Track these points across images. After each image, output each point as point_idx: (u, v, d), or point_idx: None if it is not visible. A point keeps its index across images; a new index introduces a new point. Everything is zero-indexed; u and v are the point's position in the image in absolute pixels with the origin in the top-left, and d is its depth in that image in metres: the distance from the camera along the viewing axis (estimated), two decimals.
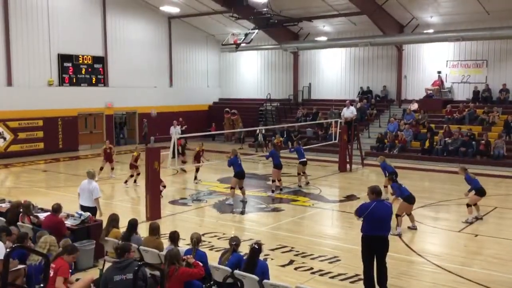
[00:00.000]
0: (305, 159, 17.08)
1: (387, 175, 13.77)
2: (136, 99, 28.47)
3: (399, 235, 11.12)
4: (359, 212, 7.92)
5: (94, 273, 8.19)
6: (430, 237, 11.64)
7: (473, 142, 21.02)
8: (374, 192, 7.89)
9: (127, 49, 28.22)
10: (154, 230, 8.25)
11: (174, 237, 7.80)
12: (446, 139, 21.80)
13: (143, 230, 9.39)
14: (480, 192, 12.39)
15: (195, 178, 17.72)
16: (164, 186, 15.29)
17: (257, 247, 7.12)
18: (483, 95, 24.26)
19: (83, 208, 10.42)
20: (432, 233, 11.87)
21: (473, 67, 24.90)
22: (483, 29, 22.86)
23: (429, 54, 26.17)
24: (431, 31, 24.73)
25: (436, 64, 25.69)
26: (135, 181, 17.07)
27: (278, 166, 15.99)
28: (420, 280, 8.86)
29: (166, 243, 8.18)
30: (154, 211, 12.58)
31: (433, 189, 16.48)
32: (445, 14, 24.25)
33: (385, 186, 13.91)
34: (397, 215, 11.18)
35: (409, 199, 11.49)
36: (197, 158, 17.92)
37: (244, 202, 14.57)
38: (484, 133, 21.58)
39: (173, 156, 14.51)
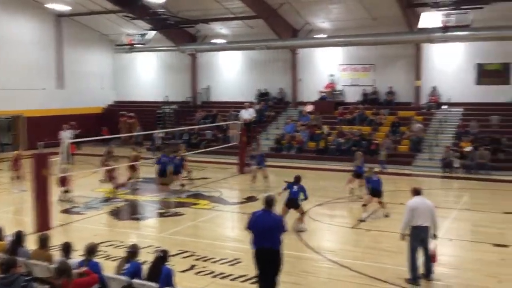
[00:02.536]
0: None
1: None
2: (21, 102, 26.41)
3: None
4: (247, 222, 7.76)
5: None
6: (326, 234, 12.11)
7: (363, 142, 22.25)
8: (265, 202, 7.68)
9: (10, 48, 26.21)
10: (43, 242, 7.72)
11: (66, 249, 7.35)
12: (339, 139, 22.87)
13: (31, 243, 8.70)
14: (373, 192, 13.21)
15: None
16: (67, 191, 14.73)
17: (162, 254, 6.93)
18: (371, 97, 25.81)
19: None
20: (328, 230, 12.36)
21: (361, 70, 26.40)
22: (369, 35, 24.25)
23: (321, 58, 27.31)
24: (323, 36, 25.82)
25: (328, 67, 26.89)
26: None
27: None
28: (317, 276, 9.16)
29: (59, 256, 7.67)
30: (43, 221, 11.78)
31: (328, 187, 17.15)
32: (335, 20, 25.45)
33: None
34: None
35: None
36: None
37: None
38: (373, 133, 22.96)
39: (67, 162, 13.73)
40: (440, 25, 18.50)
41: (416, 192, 8.87)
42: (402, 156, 21.68)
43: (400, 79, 25.47)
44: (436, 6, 19.08)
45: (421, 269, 8.73)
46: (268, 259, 7.47)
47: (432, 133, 22.32)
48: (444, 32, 19.31)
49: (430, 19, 18.84)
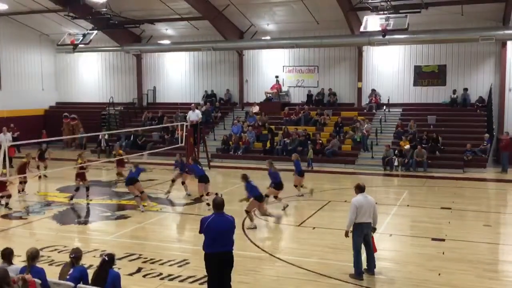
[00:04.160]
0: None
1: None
2: None
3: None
4: (200, 228, 7.49)
5: None
6: (274, 233, 12.31)
7: (309, 142, 22.71)
8: (215, 205, 7.49)
9: None
10: None
11: (6, 255, 7.12)
12: (285, 139, 23.24)
13: None
14: (279, 186, 13.94)
15: (20, 191, 15.99)
16: (10, 196, 14.28)
17: (107, 258, 6.84)
18: (316, 98, 26.36)
19: None
20: (275, 229, 12.55)
21: (306, 72, 26.93)
22: (313, 37, 24.79)
23: (267, 60, 27.63)
24: (268, 38, 26.13)
25: (274, 69, 27.26)
26: (23, 190, 15.94)
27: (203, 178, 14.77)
28: (265, 275, 9.31)
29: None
30: None
31: None
32: (280, 22, 25.83)
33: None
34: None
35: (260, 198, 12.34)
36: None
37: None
38: (318, 133, 23.48)
39: (4, 166, 13.21)
40: (379, 28, 19.16)
41: (360, 189, 9.10)
42: (346, 155, 22.32)
43: (343, 80, 26.19)
44: (376, 10, 19.77)
45: (364, 264, 9.06)
46: (223, 262, 7.38)
47: (373, 132, 23.09)
48: (383, 36, 20.03)
49: (371, 22, 19.47)
